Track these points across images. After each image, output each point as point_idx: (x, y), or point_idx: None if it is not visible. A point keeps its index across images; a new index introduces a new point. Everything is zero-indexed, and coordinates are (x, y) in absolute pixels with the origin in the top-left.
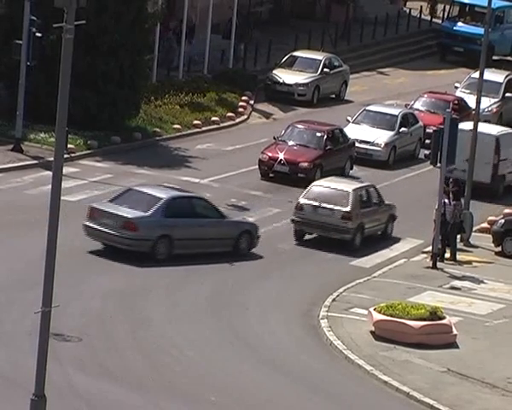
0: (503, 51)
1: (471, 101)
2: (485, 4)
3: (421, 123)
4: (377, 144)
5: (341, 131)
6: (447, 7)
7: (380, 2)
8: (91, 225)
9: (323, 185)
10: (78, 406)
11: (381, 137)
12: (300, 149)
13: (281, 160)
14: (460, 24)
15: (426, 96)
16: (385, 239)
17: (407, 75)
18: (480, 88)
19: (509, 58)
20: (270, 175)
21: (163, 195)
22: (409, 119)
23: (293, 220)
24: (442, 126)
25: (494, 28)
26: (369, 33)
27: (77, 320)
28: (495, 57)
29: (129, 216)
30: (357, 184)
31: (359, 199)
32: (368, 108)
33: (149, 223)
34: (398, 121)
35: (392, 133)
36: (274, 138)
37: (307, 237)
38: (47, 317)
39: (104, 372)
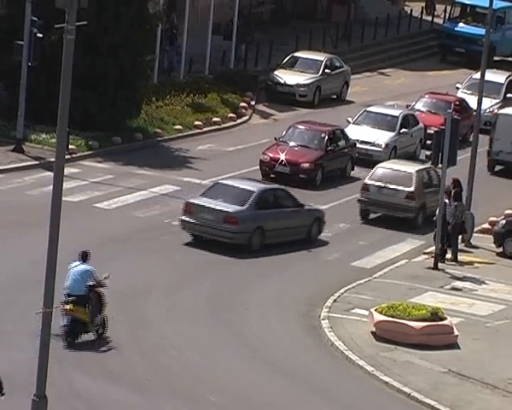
0: (505, 52)
1: (472, 101)
2: (487, 5)
3: (421, 124)
4: (378, 145)
5: (342, 131)
6: (448, 7)
7: (381, 2)
8: (188, 219)
9: (388, 167)
10: (78, 406)
11: (382, 137)
12: (301, 149)
13: (282, 160)
14: (461, 25)
15: (427, 96)
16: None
17: (408, 76)
18: (482, 89)
19: (510, 59)
20: (272, 176)
21: (253, 188)
22: (409, 120)
23: (359, 200)
24: (443, 127)
25: (495, 29)
26: (370, 34)
27: None
28: (496, 58)
29: (229, 210)
30: (420, 166)
31: (422, 180)
32: (368, 108)
33: (247, 216)
34: (399, 122)
35: (392, 134)
36: (275, 139)
37: (372, 216)
38: (48, 317)
39: (104, 372)
